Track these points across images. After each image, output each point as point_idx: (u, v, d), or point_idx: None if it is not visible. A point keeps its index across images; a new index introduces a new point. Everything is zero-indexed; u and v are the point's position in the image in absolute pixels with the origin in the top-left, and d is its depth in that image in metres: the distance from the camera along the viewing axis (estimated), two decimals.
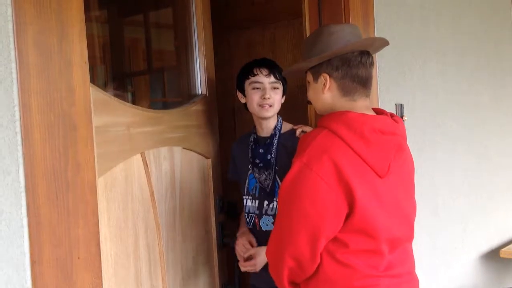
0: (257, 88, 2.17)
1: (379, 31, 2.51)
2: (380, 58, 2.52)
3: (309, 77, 1.72)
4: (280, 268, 1.64)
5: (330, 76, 1.64)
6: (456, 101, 3.04)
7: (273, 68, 2.19)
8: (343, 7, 2.39)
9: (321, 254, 1.60)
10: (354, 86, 1.64)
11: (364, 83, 1.66)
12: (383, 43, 1.76)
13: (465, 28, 3.12)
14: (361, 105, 1.66)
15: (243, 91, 2.23)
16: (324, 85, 1.65)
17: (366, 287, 1.59)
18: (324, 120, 1.64)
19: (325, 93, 1.66)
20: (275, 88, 2.18)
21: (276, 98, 2.17)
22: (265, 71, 2.17)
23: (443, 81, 2.94)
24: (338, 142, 1.56)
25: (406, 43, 2.70)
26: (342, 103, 1.65)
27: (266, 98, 2.15)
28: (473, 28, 3.19)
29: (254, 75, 2.18)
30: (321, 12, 2.41)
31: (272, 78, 2.17)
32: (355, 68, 1.64)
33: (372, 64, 1.68)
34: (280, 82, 2.19)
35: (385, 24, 2.56)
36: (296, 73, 1.85)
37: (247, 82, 2.20)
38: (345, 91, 1.65)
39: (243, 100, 2.25)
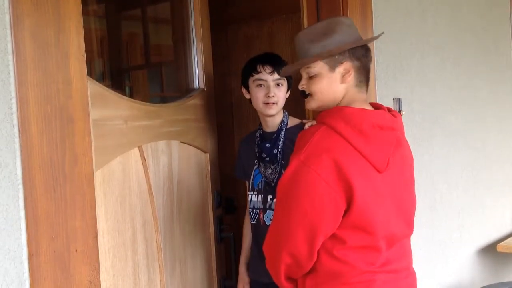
0: (261, 86, 2.17)
1: (377, 25, 2.51)
2: (378, 53, 2.52)
3: (321, 68, 1.63)
4: (277, 264, 1.64)
5: (352, 65, 1.63)
6: (454, 95, 3.04)
7: (277, 65, 2.18)
8: (341, 1, 2.39)
9: (318, 251, 1.60)
10: (364, 78, 1.66)
11: (368, 76, 1.68)
12: (373, 39, 1.85)
13: (464, 23, 3.12)
14: (361, 98, 1.66)
15: (247, 87, 2.23)
16: (343, 75, 1.62)
17: (363, 283, 1.59)
18: (323, 116, 1.63)
19: (340, 84, 1.63)
20: (279, 84, 2.18)
21: (280, 95, 2.17)
22: (268, 69, 2.17)
23: (441, 75, 2.94)
24: (337, 138, 1.55)
25: (404, 37, 2.70)
26: (353, 93, 1.64)
27: (270, 96, 2.15)
28: (471, 22, 3.19)
29: (258, 72, 2.17)
30: (319, 6, 2.41)
31: (276, 75, 2.16)
32: (369, 61, 1.67)
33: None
34: (284, 78, 2.19)
35: (383, 18, 2.56)
36: (297, 69, 1.79)
37: (251, 79, 2.20)
38: (358, 81, 1.65)
39: (247, 96, 2.25)
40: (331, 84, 1.64)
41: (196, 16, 2.41)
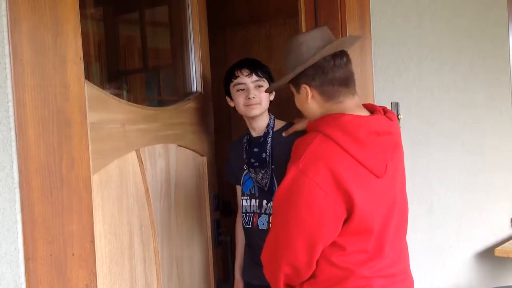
0: (241, 90, 2.18)
1: (375, 29, 2.52)
2: (376, 57, 2.52)
3: (292, 88, 1.73)
4: (277, 274, 1.64)
5: (309, 85, 1.64)
6: (452, 99, 3.05)
7: (254, 68, 2.19)
8: (339, 5, 2.39)
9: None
10: (335, 89, 1.63)
11: (345, 83, 1.64)
12: (354, 39, 1.77)
13: (461, 26, 3.13)
14: (350, 105, 1.64)
15: (230, 95, 2.24)
16: (306, 95, 1.65)
17: None
18: (318, 124, 1.63)
19: (309, 102, 1.66)
20: (259, 86, 2.18)
21: (262, 96, 2.17)
22: (246, 71, 2.18)
23: (438, 79, 2.94)
24: (334, 147, 1.55)
25: (402, 41, 2.71)
26: (329, 106, 1.64)
27: (250, 97, 2.15)
28: (469, 26, 3.19)
29: (236, 77, 2.19)
30: (317, 10, 2.42)
31: (254, 77, 2.18)
32: (330, 73, 1.62)
33: (348, 62, 1.66)
34: (264, 79, 2.20)
35: (381, 22, 2.56)
36: (281, 87, 1.84)
37: (231, 86, 2.21)
38: (328, 96, 1.64)
39: (232, 104, 2.26)
40: (302, 103, 1.70)
41: (193, 19, 2.41)
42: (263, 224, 2.19)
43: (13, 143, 1.39)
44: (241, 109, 2.19)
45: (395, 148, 1.66)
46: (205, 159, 2.37)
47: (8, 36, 1.37)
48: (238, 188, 2.35)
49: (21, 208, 1.39)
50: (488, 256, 3.27)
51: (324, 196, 1.51)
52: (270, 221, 2.07)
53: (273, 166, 2.15)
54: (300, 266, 1.59)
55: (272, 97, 2.24)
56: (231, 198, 2.50)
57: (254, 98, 2.15)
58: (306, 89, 1.65)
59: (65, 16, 1.50)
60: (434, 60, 2.90)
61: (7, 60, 1.37)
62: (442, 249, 2.95)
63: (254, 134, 2.25)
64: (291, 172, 1.55)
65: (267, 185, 2.17)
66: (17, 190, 1.39)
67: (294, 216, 1.55)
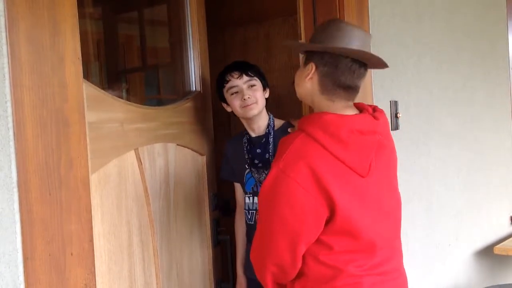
0: (235, 93, 2.18)
1: (373, 28, 2.51)
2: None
3: (301, 60, 1.72)
4: (264, 273, 1.65)
5: (317, 67, 1.62)
6: (451, 97, 3.04)
7: (244, 68, 2.20)
8: (337, 4, 2.39)
9: (304, 256, 1.60)
10: (334, 88, 1.62)
11: (346, 90, 1.62)
12: (380, 62, 1.69)
13: (460, 25, 3.13)
14: (338, 106, 1.63)
15: (225, 100, 2.25)
16: (308, 73, 1.63)
17: (350, 285, 1.59)
18: (303, 122, 1.63)
19: (306, 81, 1.64)
20: (252, 86, 2.19)
21: (256, 95, 2.18)
22: (236, 74, 2.19)
23: (437, 77, 2.94)
24: (315, 146, 1.54)
25: (401, 40, 2.70)
26: (320, 99, 1.64)
27: (245, 98, 2.16)
28: (468, 24, 3.19)
29: (227, 81, 2.20)
30: (316, 9, 2.41)
31: (245, 78, 2.19)
32: (340, 72, 1.60)
33: (361, 75, 1.63)
34: (256, 78, 2.20)
35: (379, 21, 2.56)
36: (296, 49, 1.83)
37: (224, 91, 2.23)
38: (324, 90, 1.62)
39: (228, 109, 2.27)
40: (301, 78, 1.68)
41: (192, 18, 2.41)
42: None
43: (11, 143, 1.39)
44: (239, 111, 2.20)
45: (381, 147, 1.64)
46: (204, 158, 2.37)
47: (6, 36, 1.37)
48: (237, 185, 2.35)
49: (20, 208, 1.40)
50: (488, 254, 3.27)
51: (305, 194, 1.51)
52: None
53: None
54: (285, 265, 1.60)
55: (267, 95, 2.24)
56: (230, 197, 2.50)
57: (249, 98, 2.16)
58: (312, 68, 1.62)
59: (63, 16, 1.50)
60: (433, 59, 2.90)
61: (5, 60, 1.37)
62: (441, 247, 2.95)
63: (254, 134, 2.25)
64: (273, 171, 1.56)
65: None
66: (15, 190, 1.39)
67: (276, 216, 1.56)
